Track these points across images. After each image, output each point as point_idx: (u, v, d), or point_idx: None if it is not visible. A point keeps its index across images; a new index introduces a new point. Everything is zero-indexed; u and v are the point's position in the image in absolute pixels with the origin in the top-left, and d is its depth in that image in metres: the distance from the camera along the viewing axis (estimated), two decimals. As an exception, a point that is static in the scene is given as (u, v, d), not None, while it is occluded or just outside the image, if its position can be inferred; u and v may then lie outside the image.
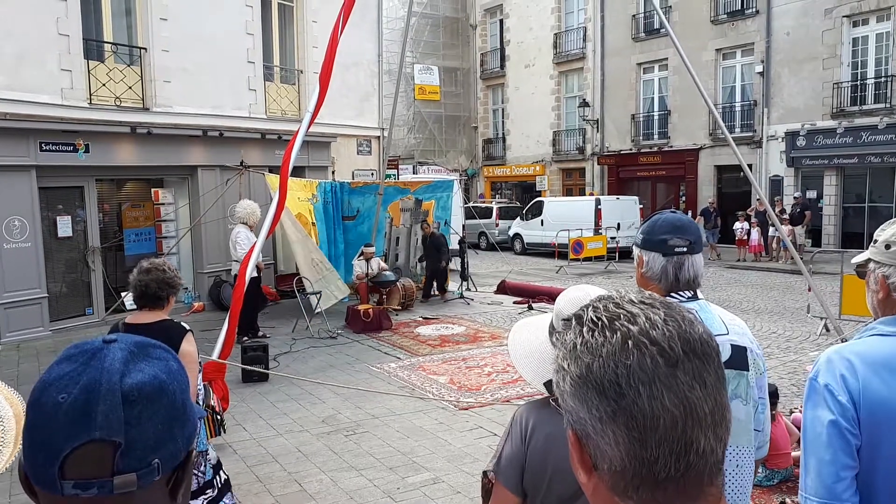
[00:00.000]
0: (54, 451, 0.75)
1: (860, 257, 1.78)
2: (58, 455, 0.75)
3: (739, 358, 1.92)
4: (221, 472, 3.81)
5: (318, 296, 11.09)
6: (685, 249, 2.02)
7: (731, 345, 1.91)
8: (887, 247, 1.66)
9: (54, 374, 0.78)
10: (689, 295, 2.03)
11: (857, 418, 1.49)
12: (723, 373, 0.75)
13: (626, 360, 0.71)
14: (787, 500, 4.55)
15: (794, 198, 18.96)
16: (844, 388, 1.50)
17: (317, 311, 10.66)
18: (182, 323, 3.49)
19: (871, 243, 1.73)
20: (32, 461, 0.77)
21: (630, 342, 0.71)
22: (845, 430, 1.49)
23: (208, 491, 3.72)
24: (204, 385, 4.52)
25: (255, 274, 9.00)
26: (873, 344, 1.58)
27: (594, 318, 0.76)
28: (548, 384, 1.71)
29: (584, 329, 0.75)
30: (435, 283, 12.99)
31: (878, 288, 1.68)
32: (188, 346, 3.39)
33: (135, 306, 3.60)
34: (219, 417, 5.31)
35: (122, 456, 0.75)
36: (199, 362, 3.91)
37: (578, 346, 0.75)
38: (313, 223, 11.68)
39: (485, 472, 1.82)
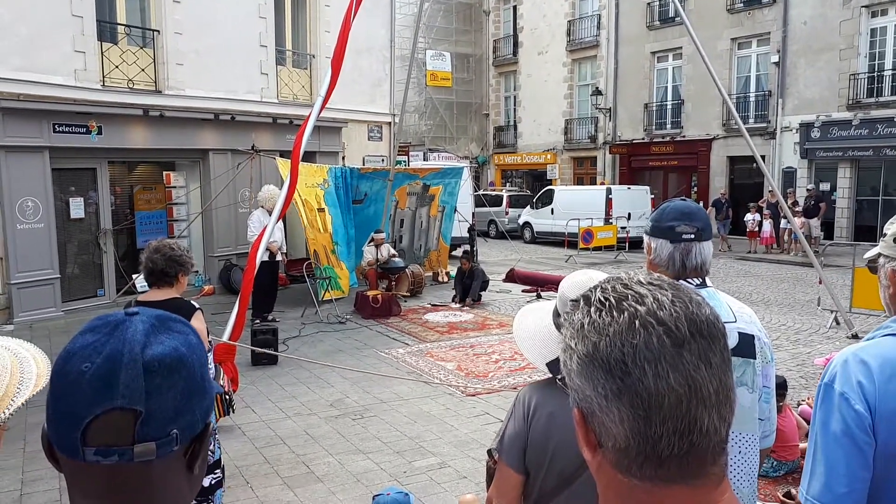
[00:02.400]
0: (77, 418, 0.77)
1: (871, 252, 1.75)
2: (80, 422, 0.77)
3: (747, 346, 1.93)
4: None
5: (328, 282, 11.15)
6: (692, 236, 2.02)
7: (739, 332, 1.92)
8: None
9: (78, 344, 0.81)
10: (698, 282, 2.04)
11: (873, 424, 1.45)
12: (728, 354, 0.76)
13: (633, 340, 0.72)
14: (793, 490, 4.56)
15: (808, 190, 18.79)
16: (861, 395, 1.45)
17: (323, 298, 10.73)
18: (192, 301, 3.53)
19: (881, 237, 1.69)
20: (56, 428, 0.79)
21: (637, 322, 0.73)
22: (862, 442, 1.44)
23: (217, 471, 3.77)
24: (215, 365, 4.56)
25: (266, 258, 9.06)
26: (888, 345, 1.53)
27: (602, 299, 0.77)
28: (550, 364, 1.74)
29: (592, 309, 0.77)
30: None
31: (889, 283, 1.65)
32: (198, 323, 3.42)
33: (146, 287, 3.64)
34: (227, 398, 5.38)
35: (142, 425, 0.77)
36: (210, 342, 3.95)
37: (586, 326, 0.76)
38: (320, 209, 11.63)
39: (489, 452, 1.84)
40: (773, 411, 2.08)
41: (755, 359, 1.94)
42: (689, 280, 2.04)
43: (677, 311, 0.73)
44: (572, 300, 0.83)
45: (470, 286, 11.66)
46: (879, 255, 1.70)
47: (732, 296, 2.12)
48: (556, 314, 1.78)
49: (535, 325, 1.82)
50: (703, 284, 2.05)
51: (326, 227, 11.77)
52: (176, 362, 0.81)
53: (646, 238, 2.14)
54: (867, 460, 1.44)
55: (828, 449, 1.47)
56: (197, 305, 3.51)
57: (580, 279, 1.75)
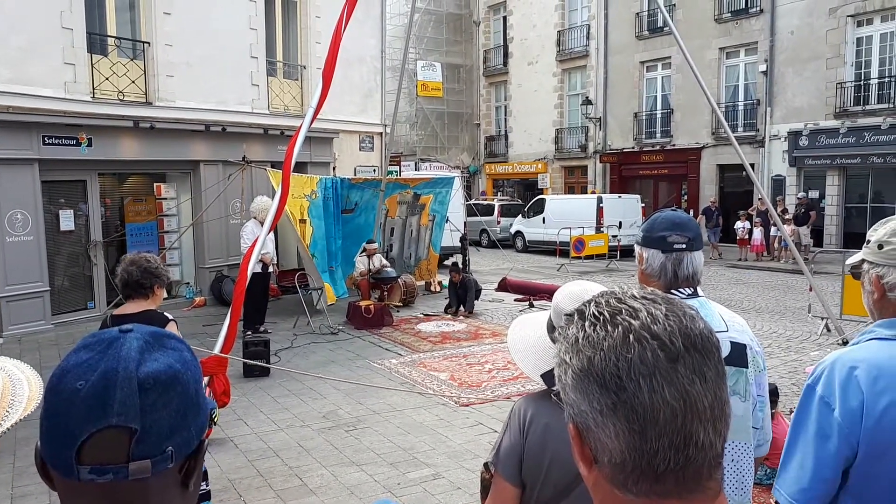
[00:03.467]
0: (72, 436, 0.76)
1: (854, 258, 1.78)
2: (75, 440, 0.76)
3: (738, 355, 1.94)
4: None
5: (320, 292, 11.12)
6: (684, 246, 2.04)
7: (731, 342, 1.93)
8: (880, 246, 1.66)
9: (72, 362, 0.80)
10: (689, 292, 2.05)
11: (859, 429, 1.46)
12: (723, 368, 0.76)
13: (628, 354, 0.72)
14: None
15: (798, 198, 18.94)
16: (843, 399, 1.48)
17: (318, 307, 10.69)
18: (165, 313, 3.52)
19: (865, 244, 1.73)
20: (50, 446, 0.79)
21: (631, 336, 0.73)
22: (833, 445, 1.49)
23: (202, 483, 3.73)
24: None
25: (259, 270, 9.02)
26: (873, 349, 1.56)
27: (596, 313, 0.77)
28: (545, 376, 1.74)
29: (586, 323, 0.77)
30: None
31: (873, 289, 1.67)
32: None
33: None
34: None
35: (137, 443, 0.77)
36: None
37: (580, 340, 0.76)
38: (302, 220, 11.49)
39: (485, 464, 1.84)
40: (767, 420, 2.09)
41: (747, 368, 1.95)
42: (681, 290, 2.05)
43: (671, 326, 0.74)
44: (566, 314, 0.83)
45: (464, 296, 11.65)
46: (863, 261, 1.73)
47: (724, 304, 2.14)
48: (551, 327, 1.78)
49: (529, 337, 1.82)
50: (695, 294, 2.06)
51: (305, 239, 11.63)
52: (171, 379, 0.81)
53: (637, 248, 2.15)
54: (838, 464, 1.51)
55: (804, 448, 1.56)
56: (171, 317, 3.49)
57: (575, 290, 1.76)
